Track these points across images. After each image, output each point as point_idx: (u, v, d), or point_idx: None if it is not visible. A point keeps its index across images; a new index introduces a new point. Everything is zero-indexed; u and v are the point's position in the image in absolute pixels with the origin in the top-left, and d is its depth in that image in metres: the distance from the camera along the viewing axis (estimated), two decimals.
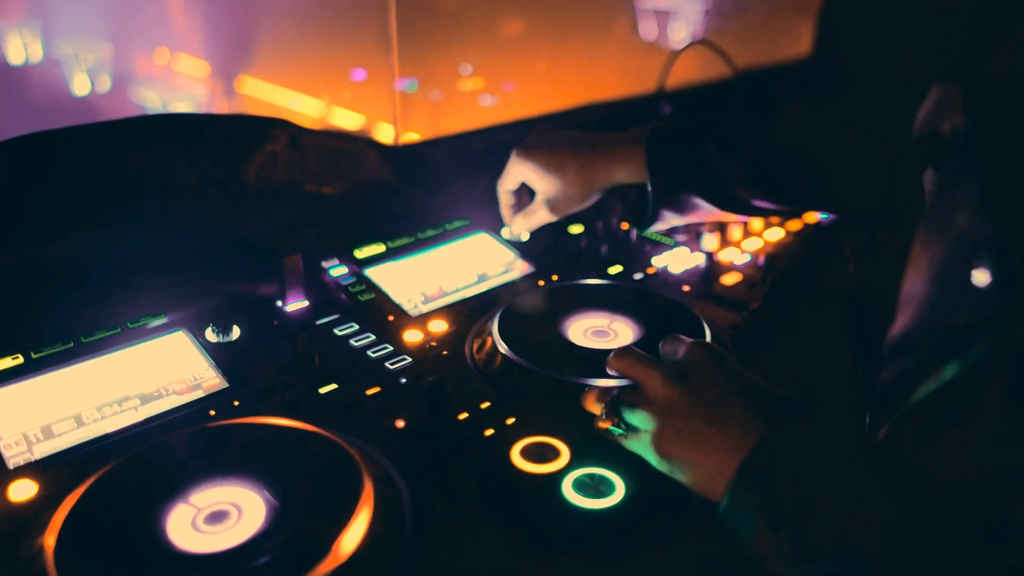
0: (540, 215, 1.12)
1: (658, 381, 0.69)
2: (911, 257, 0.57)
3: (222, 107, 2.32)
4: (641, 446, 0.70)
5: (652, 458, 0.69)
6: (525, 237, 1.19)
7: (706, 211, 1.06)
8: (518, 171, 1.11)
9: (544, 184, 1.08)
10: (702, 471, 0.64)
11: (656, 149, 1.03)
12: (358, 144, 1.24)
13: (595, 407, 0.76)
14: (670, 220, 1.08)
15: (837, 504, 0.54)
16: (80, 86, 2.85)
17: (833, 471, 0.56)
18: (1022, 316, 0.45)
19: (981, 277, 0.47)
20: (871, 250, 0.83)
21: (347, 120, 2.29)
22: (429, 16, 2.20)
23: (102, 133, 1.03)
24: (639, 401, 0.71)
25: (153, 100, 2.85)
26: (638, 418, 0.71)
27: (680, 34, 2.20)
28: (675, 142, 1.03)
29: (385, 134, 1.57)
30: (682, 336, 0.75)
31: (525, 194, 1.17)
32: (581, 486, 0.71)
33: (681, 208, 1.06)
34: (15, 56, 2.75)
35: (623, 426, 0.72)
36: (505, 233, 1.21)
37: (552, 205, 1.10)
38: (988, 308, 0.47)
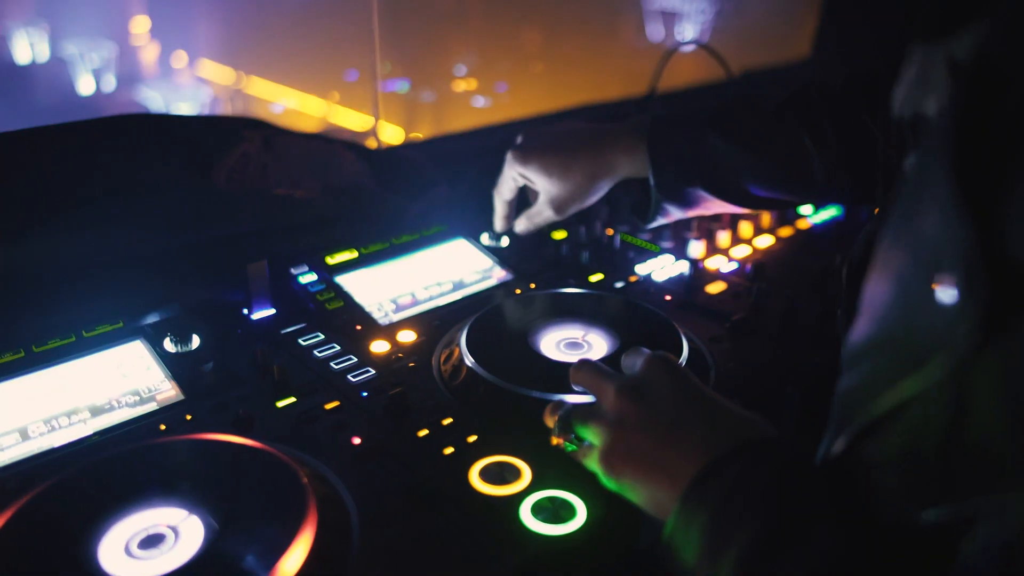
0: (545, 215, 1.09)
1: (612, 395, 0.66)
2: (875, 258, 0.53)
3: (224, 107, 2.30)
4: (593, 463, 0.67)
5: (602, 476, 0.65)
6: (520, 230, 1.15)
7: (711, 204, 1.03)
8: (517, 175, 1.08)
9: (547, 185, 1.05)
10: (651, 491, 0.61)
11: (657, 142, 1.00)
12: (334, 146, 1.21)
13: (550, 421, 0.72)
14: (674, 214, 1.05)
15: (782, 534, 0.50)
16: (85, 85, 2.84)
17: (784, 499, 0.52)
18: (990, 340, 0.41)
19: (944, 293, 0.43)
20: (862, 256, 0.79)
21: (332, 120, 2.26)
22: (424, 16, 2.17)
23: (67, 134, 1.00)
24: (592, 416, 0.67)
25: (156, 100, 2.83)
26: (590, 433, 0.67)
27: (675, 35, 2.16)
28: (677, 134, 1.00)
29: (357, 135, 1.54)
30: (644, 348, 0.71)
31: (520, 197, 1.13)
32: (540, 511, 0.67)
33: (685, 202, 1.02)
34: (21, 55, 2.74)
35: (576, 441, 0.69)
36: (485, 239, 1.17)
37: (556, 205, 1.07)
38: (950, 323, 0.42)
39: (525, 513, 0.67)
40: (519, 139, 1.10)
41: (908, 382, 0.45)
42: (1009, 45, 0.44)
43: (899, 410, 0.46)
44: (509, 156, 1.08)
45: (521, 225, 1.13)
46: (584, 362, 0.74)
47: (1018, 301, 0.40)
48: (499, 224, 1.15)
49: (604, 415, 0.66)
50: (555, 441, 0.71)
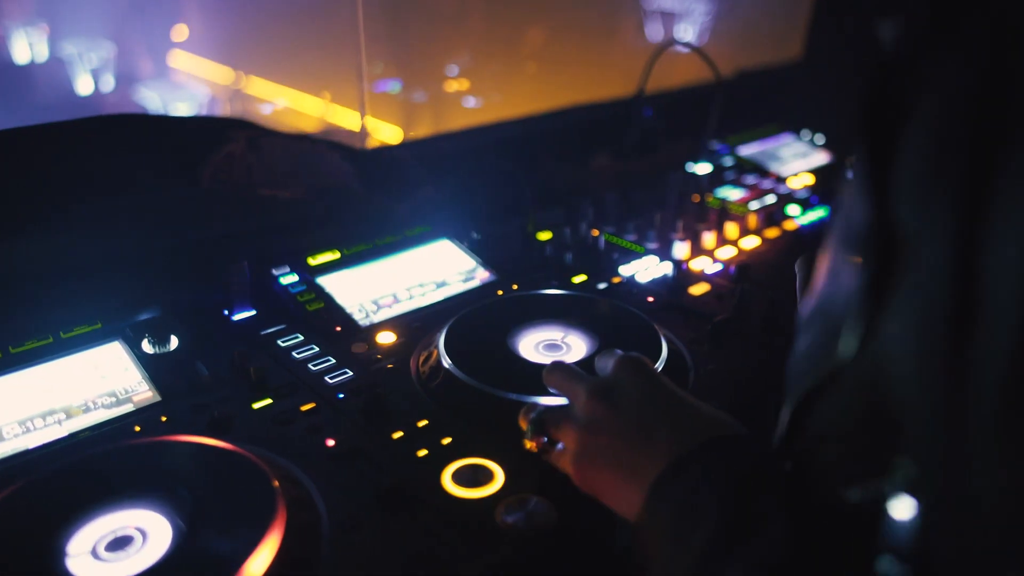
0: None
1: (583, 398, 0.66)
2: (824, 243, 0.53)
3: (223, 106, 2.30)
4: (565, 465, 0.66)
5: (573, 478, 0.65)
6: None
7: None
8: None
9: None
10: (621, 493, 0.61)
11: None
12: (320, 146, 1.21)
13: (524, 424, 0.72)
14: None
15: (737, 528, 0.50)
16: (83, 85, 2.84)
17: (741, 493, 0.52)
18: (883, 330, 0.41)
19: (854, 266, 0.44)
20: None
21: (329, 120, 2.26)
22: (417, 17, 2.17)
23: (49, 134, 1.00)
24: (563, 418, 0.67)
25: (153, 99, 2.84)
26: (561, 435, 0.67)
27: (668, 35, 2.16)
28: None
29: (354, 135, 1.54)
30: (617, 350, 0.70)
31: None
32: (509, 510, 0.67)
33: None
34: (20, 55, 2.74)
35: (548, 444, 0.69)
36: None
37: None
38: (856, 294, 0.43)
39: (496, 514, 0.67)
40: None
41: (832, 355, 0.46)
42: (908, 39, 0.44)
43: (831, 382, 0.47)
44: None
45: None
46: (557, 364, 0.74)
47: (901, 270, 0.40)
48: None
49: (575, 418, 0.66)
50: (528, 444, 0.71)
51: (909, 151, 0.41)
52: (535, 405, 0.73)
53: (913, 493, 0.40)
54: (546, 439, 0.69)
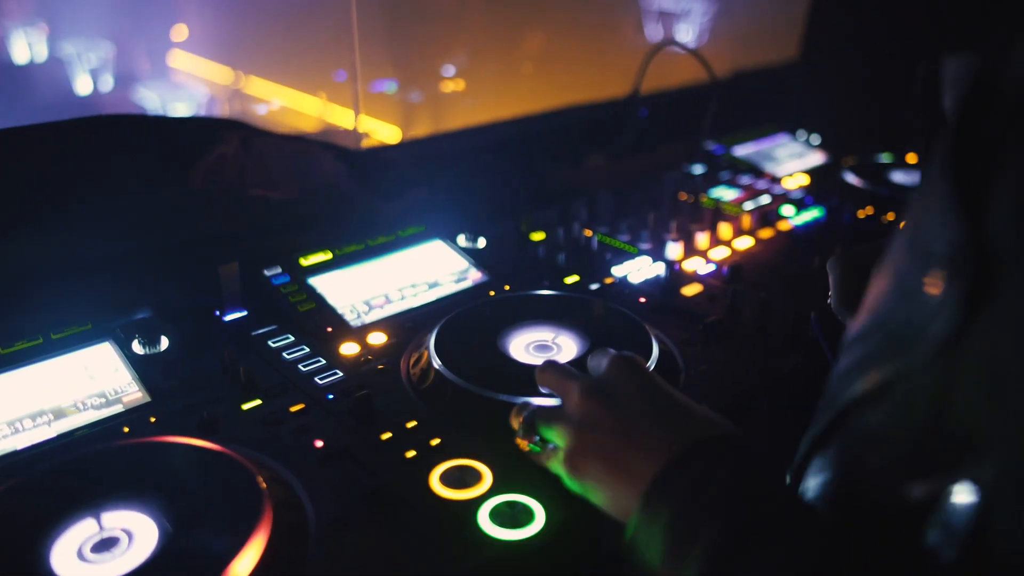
0: None
1: (576, 396, 0.65)
2: (887, 255, 0.54)
3: (222, 106, 2.30)
4: (557, 464, 0.66)
5: (566, 477, 0.65)
6: None
7: None
8: None
9: None
10: (614, 492, 0.60)
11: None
12: (312, 147, 1.21)
13: (516, 423, 0.72)
14: None
15: (750, 530, 0.50)
16: (82, 85, 2.84)
17: (749, 493, 0.52)
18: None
19: (933, 283, 0.45)
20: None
21: (327, 119, 2.26)
22: (413, 17, 2.17)
23: (41, 135, 0.99)
24: (556, 417, 0.67)
25: (152, 99, 2.83)
26: (554, 434, 0.67)
27: (665, 36, 2.16)
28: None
29: (350, 135, 1.54)
30: (609, 349, 0.70)
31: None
32: (498, 515, 0.67)
33: None
34: (20, 55, 2.74)
35: (540, 443, 0.68)
36: (462, 241, 1.17)
37: None
38: (936, 310, 0.44)
39: (483, 518, 0.67)
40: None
41: (894, 363, 0.47)
42: (1004, 60, 0.46)
43: (885, 389, 0.48)
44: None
45: None
46: (549, 363, 0.74)
47: (995, 288, 0.42)
48: None
49: (568, 416, 0.66)
50: (521, 444, 0.71)
51: (1011, 173, 0.42)
52: (527, 404, 0.73)
53: (977, 482, 0.41)
54: (538, 438, 0.69)
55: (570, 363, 0.86)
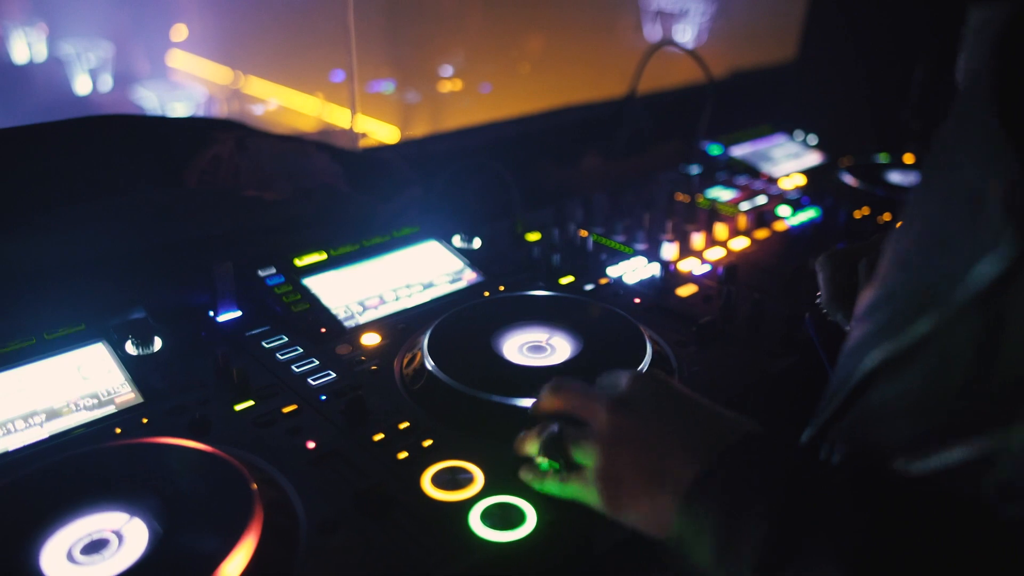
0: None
1: (603, 412, 0.64)
2: (902, 222, 0.54)
3: (221, 106, 2.29)
4: (584, 486, 0.64)
5: (596, 497, 0.63)
6: None
7: None
8: None
9: None
10: (652, 502, 0.59)
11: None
12: (308, 147, 1.21)
13: (532, 447, 0.69)
14: None
15: (800, 518, 0.50)
16: (82, 85, 2.84)
17: (793, 483, 0.52)
18: None
19: (983, 226, 0.44)
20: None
21: (326, 119, 2.26)
22: (411, 17, 2.16)
23: (35, 135, 0.99)
24: (582, 435, 0.65)
25: (152, 99, 2.84)
26: (582, 453, 0.65)
27: (663, 36, 2.16)
28: None
29: (346, 135, 1.53)
30: (620, 370, 0.69)
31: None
32: (489, 517, 0.67)
33: None
34: (19, 55, 2.74)
35: (564, 465, 0.66)
36: (456, 242, 1.17)
37: None
38: (983, 248, 0.43)
39: (474, 519, 0.67)
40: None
41: (922, 323, 0.46)
42: None
43: (915, 350, 0.47)
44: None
45: None
46: (560, 383, 0.70)
47: None
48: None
49: (595, 434, 0.64)
50: (540, 467, 0.67)
51: None
52: (546, 426, 0.69)
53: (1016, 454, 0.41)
54: (562, 460, 0.66)
55: (564, 364, 0.86)
